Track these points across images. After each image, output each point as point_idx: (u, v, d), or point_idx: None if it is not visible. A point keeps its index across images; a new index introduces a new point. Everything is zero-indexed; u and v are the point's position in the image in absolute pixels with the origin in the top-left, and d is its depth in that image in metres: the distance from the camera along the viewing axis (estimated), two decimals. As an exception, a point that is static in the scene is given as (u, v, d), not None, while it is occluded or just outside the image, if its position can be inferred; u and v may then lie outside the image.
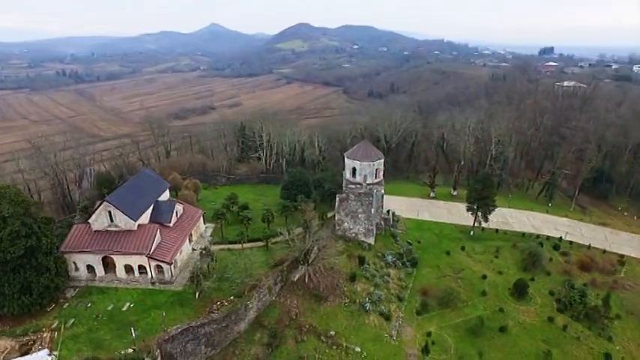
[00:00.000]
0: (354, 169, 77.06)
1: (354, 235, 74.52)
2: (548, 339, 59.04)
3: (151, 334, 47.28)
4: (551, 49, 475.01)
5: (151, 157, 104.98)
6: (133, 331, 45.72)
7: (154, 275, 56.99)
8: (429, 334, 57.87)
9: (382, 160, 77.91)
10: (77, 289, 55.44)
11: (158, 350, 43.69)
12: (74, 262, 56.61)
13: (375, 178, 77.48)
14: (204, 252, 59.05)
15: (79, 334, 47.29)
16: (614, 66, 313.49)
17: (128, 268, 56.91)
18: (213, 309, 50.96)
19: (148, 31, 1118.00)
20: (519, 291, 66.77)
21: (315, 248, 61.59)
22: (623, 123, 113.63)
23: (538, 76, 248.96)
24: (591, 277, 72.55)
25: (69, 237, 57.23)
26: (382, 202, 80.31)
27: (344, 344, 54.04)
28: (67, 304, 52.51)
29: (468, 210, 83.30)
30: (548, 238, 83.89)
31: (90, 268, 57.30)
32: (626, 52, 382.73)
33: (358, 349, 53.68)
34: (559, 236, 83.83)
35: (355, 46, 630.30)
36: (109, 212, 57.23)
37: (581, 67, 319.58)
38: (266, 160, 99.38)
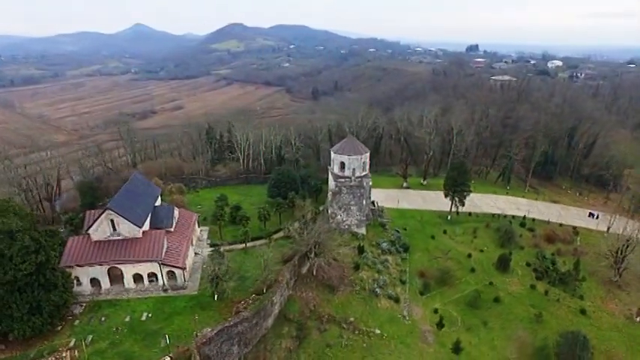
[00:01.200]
0: (342, 164, 79.40)
1: (347, 226, 77.21)
2: (535, 304, 66.21)
3: (180, 339, 46.32)
4: (476, 46, 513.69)
5: (116, 161, 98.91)
6: (166, 338, 44.55)
7: (165, 282, 55.31)
8: (435, 310, 62.34)
9: (368, 154, 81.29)
10: (84, 305, 52.25)
11: (198, 354, 43.06)
12: (76, 277, 53.18)
13: (362, 171, 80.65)
14: (215, 254, 58.35)
15: (103, 350, 45.05)
16: (532, 61, 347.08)
17: (136, 278, 54.67)
18: (239, 308, 50.82)
19: (64, 32, 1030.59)
20: (503, 265, 73.75)
21: (321, 241, 63.26)
22: (559, 112, 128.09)
23: (472, 71, 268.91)
24: (556, 247, 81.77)
25: (67, 251, 53.61)
26: (370, 193, 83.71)
27: (364, 328, 56.58)
28: (77, 321, 49.52)
29: (445, 196, 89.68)
30: (513, 217, 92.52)
31: (94, 282, 54.19)
32: (539, 49, 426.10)
33: (378, 331, 56.53)
34: (522, 215, 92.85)
35: (292, 46, 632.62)
36: (112, 221, 54.53)
37: (505, 62, 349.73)
38: (244, 161, 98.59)
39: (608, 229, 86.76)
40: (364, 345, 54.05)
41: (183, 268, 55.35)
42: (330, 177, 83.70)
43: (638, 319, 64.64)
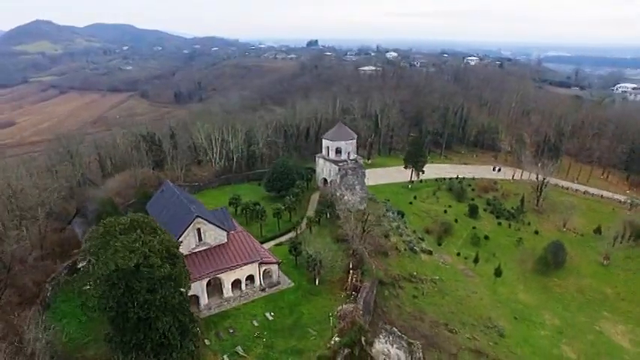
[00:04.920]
0: (338, 149, 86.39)
1: (352, 205, 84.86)
2: (508, 235, 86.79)
3: (323, 324, 48.68)
4: (316, 41, 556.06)
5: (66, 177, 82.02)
6: (331, 318, 46.57)
7: (262, 282, 54.73)
8: (458, 254, 76.55)
9: (356, 136, 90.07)
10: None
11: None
12: (175, 298, 48.39)
13: (353, 153, 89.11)
14: (295, 245, 59.84)
15: (265, 353, 44.33)
16: (372, 53, 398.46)
17: (234, 284, 52.70)
18: (353, 283, 54.78)
19: None
20: (472, 213, 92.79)
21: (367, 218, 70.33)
22: (446, 92, 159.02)
23: (334, 63, 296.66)
24: (492, 194, 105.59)
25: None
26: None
27: (426, 278, 66.62)
28: (206, 340, 45.89)
29: (406, 167, 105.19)
30: (450, 179, 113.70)
31: (192, 299, 50.08)
32: (366, 43, 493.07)
33: (437, 277, 67.33)
34: (455, 176, 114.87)
35: (125, 47, 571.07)
36: (198, 230, 51.10)
37: (351, 55, 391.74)
38: (219, 161, 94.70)
39: (512, 176, 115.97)
40: (436, 289, 64.22)
41: (279, 263, 55.64)
42: (324, 163, 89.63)
43: (564, 229, 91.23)
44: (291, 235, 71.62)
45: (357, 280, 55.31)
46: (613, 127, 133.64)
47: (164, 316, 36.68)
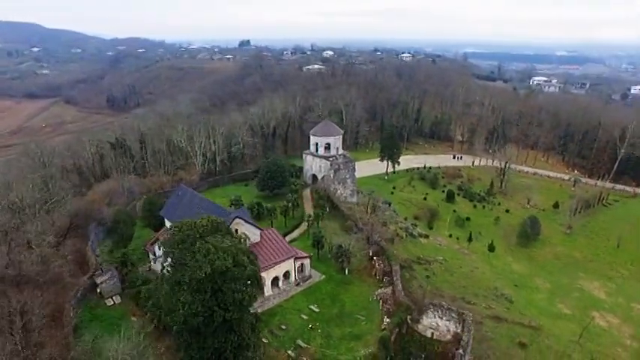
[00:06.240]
0: (327, 144, 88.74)
1: (344, 198, 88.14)
2: (485, 215, 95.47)
3: (368, 310, 51.33)
4: (248, 41, 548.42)
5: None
6: (377, 302, 49.11)
7: (297, 276, 55.73)
8: (450, 235, 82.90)
9: (342, 132, 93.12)
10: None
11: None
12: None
13: (340, 149, 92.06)
14: (318, 239, 61.41)
15: (327, 342, 45.84)
16: (308, 52, 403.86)
17: (273, 282, 53.20)
18: (383, 269, 57.81)
19: None
20: (450, 198, 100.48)
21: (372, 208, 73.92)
22: (396, 87, 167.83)
23: (279, 62, 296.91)
24: (460, 180, 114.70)
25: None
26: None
27: (430, 259, 71.50)
28: (263, 339, 46.09)
29: (382, 160, 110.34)
30: (418, 168, 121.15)
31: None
32: (293, 42, 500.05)
33: (440, 258, 72.62)
34: (424, 165, 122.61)
35: (36, 49, 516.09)
36: (236, 231, 50.81)
37: (287, 55, 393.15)
38: (203, 163, 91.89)
39: (473, 163, 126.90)
40: (443, 268, 69.40)
41: (311, 257, 56.92)
42: (314, 159, 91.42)
43: (527, 205, 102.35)
44: (300, 231, 72.87)
45: (384, 266, 58.49)
46: (546, 115, 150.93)
47: (248, 316, 36.77)
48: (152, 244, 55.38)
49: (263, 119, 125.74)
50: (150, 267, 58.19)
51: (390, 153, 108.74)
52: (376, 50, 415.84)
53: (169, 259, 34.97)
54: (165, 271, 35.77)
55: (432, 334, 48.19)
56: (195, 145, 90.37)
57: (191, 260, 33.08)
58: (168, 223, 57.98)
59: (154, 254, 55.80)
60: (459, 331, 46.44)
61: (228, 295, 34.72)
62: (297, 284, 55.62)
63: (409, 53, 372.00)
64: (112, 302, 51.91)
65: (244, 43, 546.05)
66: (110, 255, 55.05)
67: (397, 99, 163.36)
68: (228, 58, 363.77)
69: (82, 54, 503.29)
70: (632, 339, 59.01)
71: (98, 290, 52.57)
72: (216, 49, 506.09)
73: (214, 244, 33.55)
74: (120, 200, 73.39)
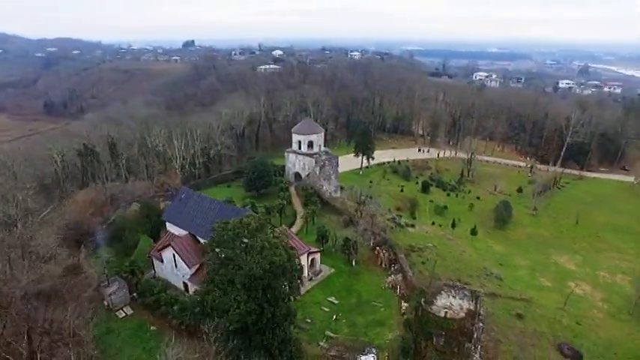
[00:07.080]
0: (310, 142, 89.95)
1: (329, 194, 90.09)
2: (459, 203, 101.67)
3: (384, 297, 53.74)
4: (193, 42, 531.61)
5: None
6: (394, 290, 51.37)
7: (309, 271, 56.70)
8: (433, 223, 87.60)
9: (324, 130, 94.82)
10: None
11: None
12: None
13: (323, 146, 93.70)
14: (323, 233, 62.66)
15: (355, 331, 47.44)
16: (257, 52, 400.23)
17: (288, 277, 53.83)
18: (389, 258, 60.34)
19: None
20: (425, 189, 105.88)
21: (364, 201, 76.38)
22: (355, 85, 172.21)
23: (230, 62, 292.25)
24: (429, 172, 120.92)
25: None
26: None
27: (422, 246, 75.38)
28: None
29: (356, 155, 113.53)
30: (388, 162, 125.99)
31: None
32: (249, 42, 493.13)
33: (430, 244, 76.65)
34: (393, 159, 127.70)
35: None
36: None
37: (236, 55, 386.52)
38: (185, 167, 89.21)
39: (438, 155, 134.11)
40: (435, 254, 73.28)
41: (322, 251, 58.11)
42: (297, 157, 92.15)
43: (495, 192, 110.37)
44: (297, 227, 73.56)
45: (389, 255, 61.15)
46: (498, 108, 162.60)
47: (294, 310, 37.44)
48: (159, 250, 53.68)
49: (234, 120, 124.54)
50: (154, 274, 56.37)
51: (364, 148, 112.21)
52: (324, 49, 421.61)
53: (221, 258, 34.63)
54: (212, 271, 35.38)
55: (446, 313, 51.48)
56: (176, 148, 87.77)
57: (246, 257, 33.22)
58: (173, 228, 56.52)
59: (161, 260, 54.17)
60: (471, 307, 50.06)
61: (277, 290, 35.23)
62: (310, 279, 56.60)
63: (358, 52, 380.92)
64: (124, 314, 49.82)
65: (189, 44, 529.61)
66: (107, 264, 52.38)
67: (360, 96, 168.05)
68: (175, 60, 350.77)
69: (5, 55, 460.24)
70: (603, 302, 66.40)
71: (105, 303, 50.33)
72: (159, 50, 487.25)
73: (268, 240, 33.96)
74: (105, 208, 69.97)
